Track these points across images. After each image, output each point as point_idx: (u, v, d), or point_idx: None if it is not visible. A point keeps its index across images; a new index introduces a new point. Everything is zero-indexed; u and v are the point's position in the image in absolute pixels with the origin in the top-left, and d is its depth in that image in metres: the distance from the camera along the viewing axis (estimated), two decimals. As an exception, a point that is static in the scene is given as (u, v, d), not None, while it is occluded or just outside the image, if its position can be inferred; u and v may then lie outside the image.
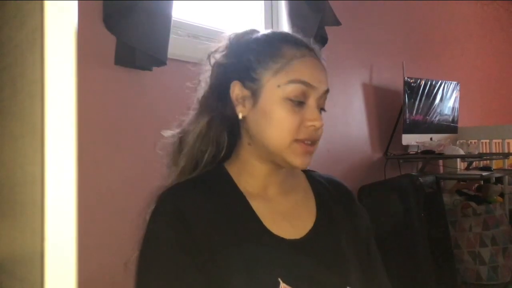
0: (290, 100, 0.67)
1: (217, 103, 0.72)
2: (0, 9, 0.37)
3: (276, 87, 0.67)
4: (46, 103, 0.28)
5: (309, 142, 0.68)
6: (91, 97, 1.17)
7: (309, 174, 0.81)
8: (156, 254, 0.65)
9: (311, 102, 0.68)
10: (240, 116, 0.70)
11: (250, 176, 0.72)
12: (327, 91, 0.70)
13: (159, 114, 1.30)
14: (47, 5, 0.28)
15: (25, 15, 0.32)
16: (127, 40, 1.18)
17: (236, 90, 0.70)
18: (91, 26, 1.17)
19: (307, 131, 0.68)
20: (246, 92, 0.70)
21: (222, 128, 0.73)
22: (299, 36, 0.73)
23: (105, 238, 1.17)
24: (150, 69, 1.28)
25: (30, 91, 0.31)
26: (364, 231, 0.78)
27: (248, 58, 0.70)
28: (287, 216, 0.71)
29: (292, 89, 0.67)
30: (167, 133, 0.77)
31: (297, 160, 0.68)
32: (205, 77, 0.76)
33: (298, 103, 0.67)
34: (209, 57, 0.75)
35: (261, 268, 0.64)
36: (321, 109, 0.71)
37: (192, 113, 0.75)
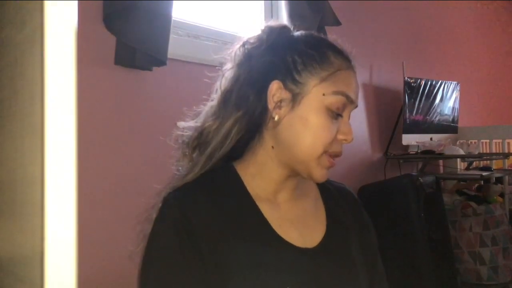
0: (331, 110, 0.65)
1: (250, 100, 0.67)
2: (0, 9, 0.37)
3: (321, 95, 0.65)
4: (46, 103, 0.28)
5: (334, 157, 0.67)
6: (91, 97, 1.17)
7: None
8: (158, 260, 0.63)
9: (346, 115, 0.67)
10: (276, 118, 0.66)
11: (263, 179, 0.69)
12: (357, 106, 0.70)
13: (159, 114, 1.30)
14: (47, 5, 0.28)
15: (25, 15, 0.32)
16: (127, 40, 1.18)
17: (275, 90, 0.66)
18: (91, 26, 1.17)
19: (337, 145, 0.67)
20: (286, 94, 0.66)
21: (245, 126, 0.68)
22: (341, 46, 0.71)
23: (105, 238, 1.17)
24: (150, 69, 1.28)
25: (30, 91, 0.31)
26: (372, 243, 0.77)
27: (293, 58, 0.66)
28: (296, 223, 0.69)
29: (335, 100, 0.65)
30: (183, 125, 0.72)
31: (321, 174, 0.66)
32: (233, 67, 0.70)
33: (337, 115, 0.66)
34: (243, 45, 0.70)
35: (269, 274, 0.62)
36: None
37: (213, 105, 0.70)
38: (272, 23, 0.72)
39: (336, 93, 0.65)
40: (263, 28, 0.71)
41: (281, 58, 0.67)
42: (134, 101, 1.28)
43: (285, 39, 0.69)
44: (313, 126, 0.65)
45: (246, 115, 0.67)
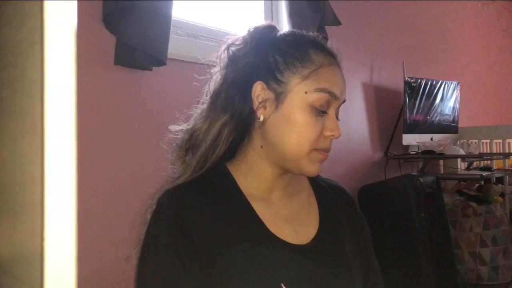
0: (315, 108, 0.65)
1: (236, 102, 0.68)
2: (0, 9, 0.37)
3: (303, 93, 0.65)
4: (46, 103, 0.28)
5: (325, 151, 0.67)
6: (91, 97, 1.17)
7: (311, 178, 0.79)
8: (154, 261, 0.64)
9: (331, 111, 0.67)
10: (261, 118, 0.67)
11: (256, 178, 0.70)
12: (344, 101, 0.70)
13: (158, 114, 1.30)
14: (47, 5, 0.28)
15: (24, 15, 0.32)
16: (127, 40, 1.18)
17: (259, 90, 0.68)
18: (91, 26, 1.17)
19: (325, 141, 0.67)
20: (270, 94, 0.67)
21: (235, 128, 0.70)
22: (324, 42, 0.71)
23: (105, 238, 1.17)
24: (150, 69, 1.28)
25: (29, 91, 0.31)
26: (366, 239, 0.78)
27: (275, 58, 0.67)
28: (290, 220, 0.70)
29: (318, 98, 0.65)
30: (175, 128, 0.73)
31: (312, 169, 0.67)
32: (220, 70, 0.71)
33: (321, 112, 0.66)
34: (227, 48, 0.71)
35: (263, 271, 0.63)
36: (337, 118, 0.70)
37: (203, 108, 0.72)
38: (257, 23, 0.73)
39: (319, 90, 0.65)
40: (247, 29, 0.72)
41: (264, 59, 0.68)
42: (133, 101, 1.28)
43: (268, 40, 0.70)
44: (297, 124, 0.65)
45: (234, 117, 0.69)
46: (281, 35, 0.71)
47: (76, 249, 0.29)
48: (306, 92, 0.65)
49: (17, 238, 0.34)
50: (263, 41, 0.70)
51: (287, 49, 0.68)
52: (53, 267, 0.28)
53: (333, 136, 0.67)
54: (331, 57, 0.69)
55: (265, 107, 0.68)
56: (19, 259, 0.34)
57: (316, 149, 0.66)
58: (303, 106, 0.65)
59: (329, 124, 0.67)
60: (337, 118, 0.70)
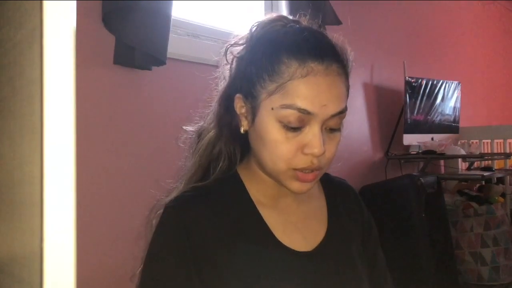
0: (284, 124, 0.60)
1: (229, 111, 0.67)
2: (-1, 9, 0.37)
3: (270, 109, 0.60)
4: (45, 103, 0.28)
5: (308, 171, 0.61)
6: (90, 97, 1.17)
7: (323, 177, 0.75)
8: (157, 268, 0.63)
9: (314, 126, 0.59)
10: (241, 130, 0.66)
11: (260, 185, 0.69)
12: (339, 112, 0.61)
13: (158, 114, 1.30)
14: (46, 5, 0.28)
15: (24, 15, 0.32)
16: (126, 40, 1.17)
17: (237, 103, 0.66)
18: (90, 25, 1.17)
19: (306, 159, 0.60)
20: (246, 107, 0.65)
21: (233, 139, 0.69)
22: (317, 40, 0.62)
23: (104, 238, 1.17)
24: (149, 69, 1.27)
25: (29, 91, 0.31)
26: (373, 239, 0.77)
27: (251, 70, 0.63)
28: (300, 227, 0.69)
29: (285, 115, 0.59)
30: (188, 128, 0.72)
31: (294, 186, 0.62)
32: (223, 73, 0.70)
33: (293, 128, 0.60)
34: (225, 52, 0.68)
35: (269, 281, 0.62)
36: (335, 129, 0.63)
37: (210, 111, 0.71)
38: (263, 18, 0.67)
39: (285, 107, 0.59)
40: (250, 26, 0.67)
41: (245, 70, 0.65)
42: (133, 101, 1.28)
43: (259, 42, 0.65)
44: (267, 142, 0.61)
45: (227, 129, 0.68)
46: (265, 39, 0.64)
47: (75, 249, 0.29)
48: (272, 109, 0.60)
49: (16, 238, 0.34)
50: (255, 44, 0.65)
51: (261, 59, 0.62)
52: (52, 267, 0.28)
53: (312, 154, 0.59)
54: (313, 63, 0.59)
55: (246, 119, 0.65)
56: (18, 259, 0.34)
57: (295, 169, 0.61)
58: (271, 123, 0.60)
59: (308, 141, 0.59)
60: (338, 129, 0.63)
